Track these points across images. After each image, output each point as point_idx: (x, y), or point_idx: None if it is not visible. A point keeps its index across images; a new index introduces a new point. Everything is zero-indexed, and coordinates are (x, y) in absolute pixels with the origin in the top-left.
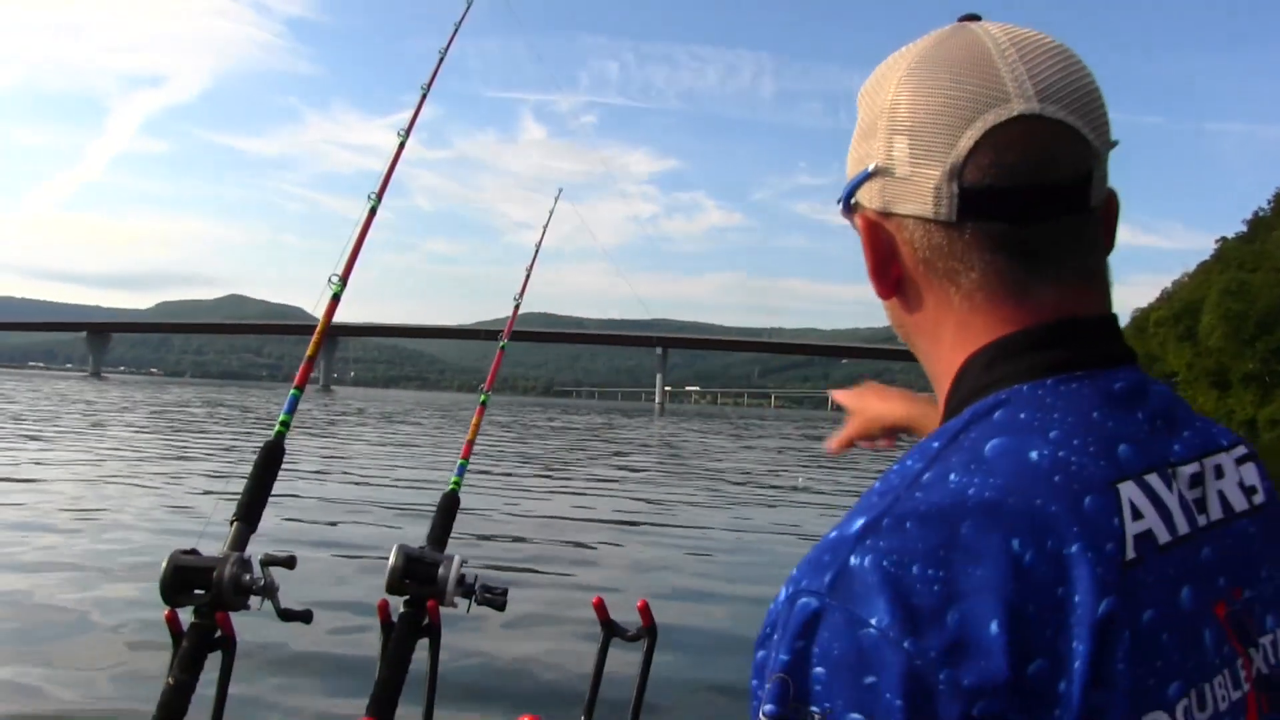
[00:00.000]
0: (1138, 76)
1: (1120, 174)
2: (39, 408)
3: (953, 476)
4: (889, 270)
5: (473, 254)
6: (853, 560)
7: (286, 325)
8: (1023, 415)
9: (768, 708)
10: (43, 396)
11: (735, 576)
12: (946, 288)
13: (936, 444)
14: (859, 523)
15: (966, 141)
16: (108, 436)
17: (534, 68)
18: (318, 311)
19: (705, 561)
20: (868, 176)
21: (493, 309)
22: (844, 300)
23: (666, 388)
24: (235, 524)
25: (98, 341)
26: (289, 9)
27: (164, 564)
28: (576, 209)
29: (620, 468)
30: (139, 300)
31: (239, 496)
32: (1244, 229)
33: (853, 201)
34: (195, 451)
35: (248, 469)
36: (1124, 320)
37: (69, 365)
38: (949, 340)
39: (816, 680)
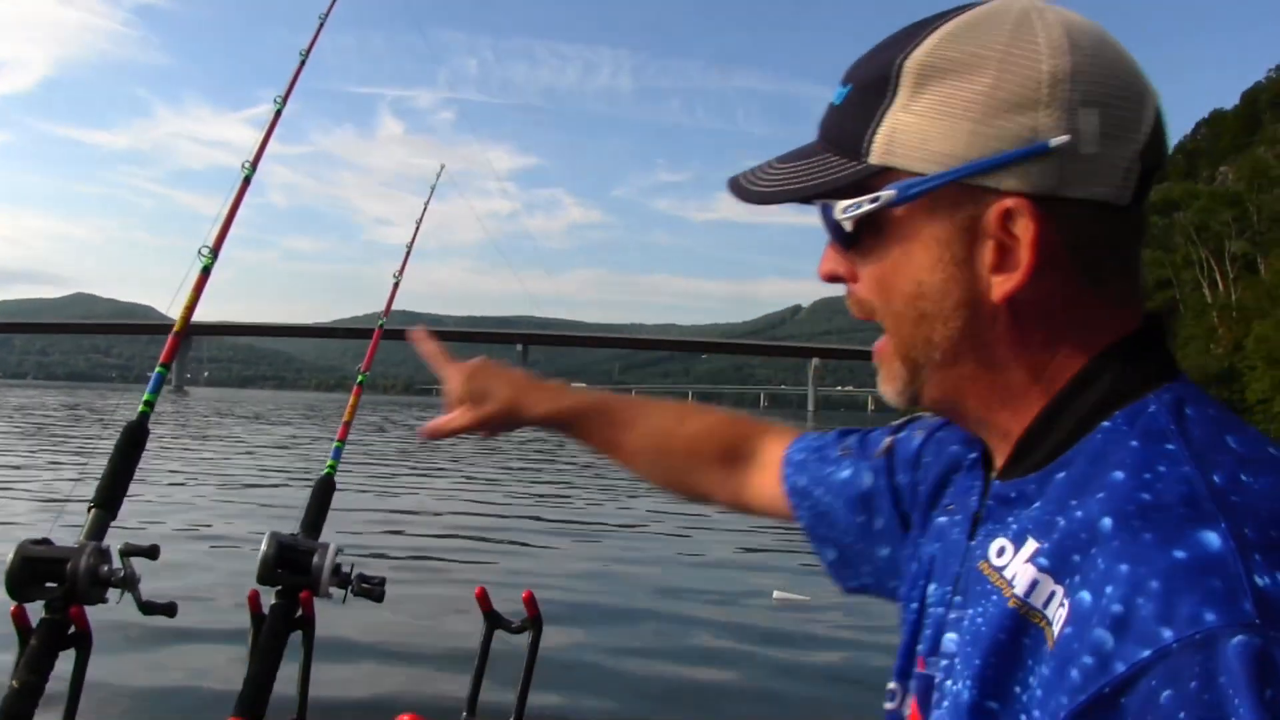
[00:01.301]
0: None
1: None
2: None
3: (1244, 477)
4: (1037, 262)
5: (332, 251)
6: (1260, 580)
7: (136, 325)
8: (1211, 411)
9: None
10: None
11: (617, 561)
12: (1087, 283)
13: (1172, 446)
14: (1211, 536)
15: (1149, 120)
16: None
17: (391, 63)
18: (184, 290)
19: (589, 549)
20: (1038, 154)
21: (353, 306)
22: (704, 296)
23: None
24: (93, 510)
25: None
26: None
27: (10, 555)
28: (438, 205)
29: (494, 464)
30: None
31: (98, 482)
32: None
33: (972, 184)
34: (53, 447)
35: (107, 456)
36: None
37: None
38: (1071, 340)
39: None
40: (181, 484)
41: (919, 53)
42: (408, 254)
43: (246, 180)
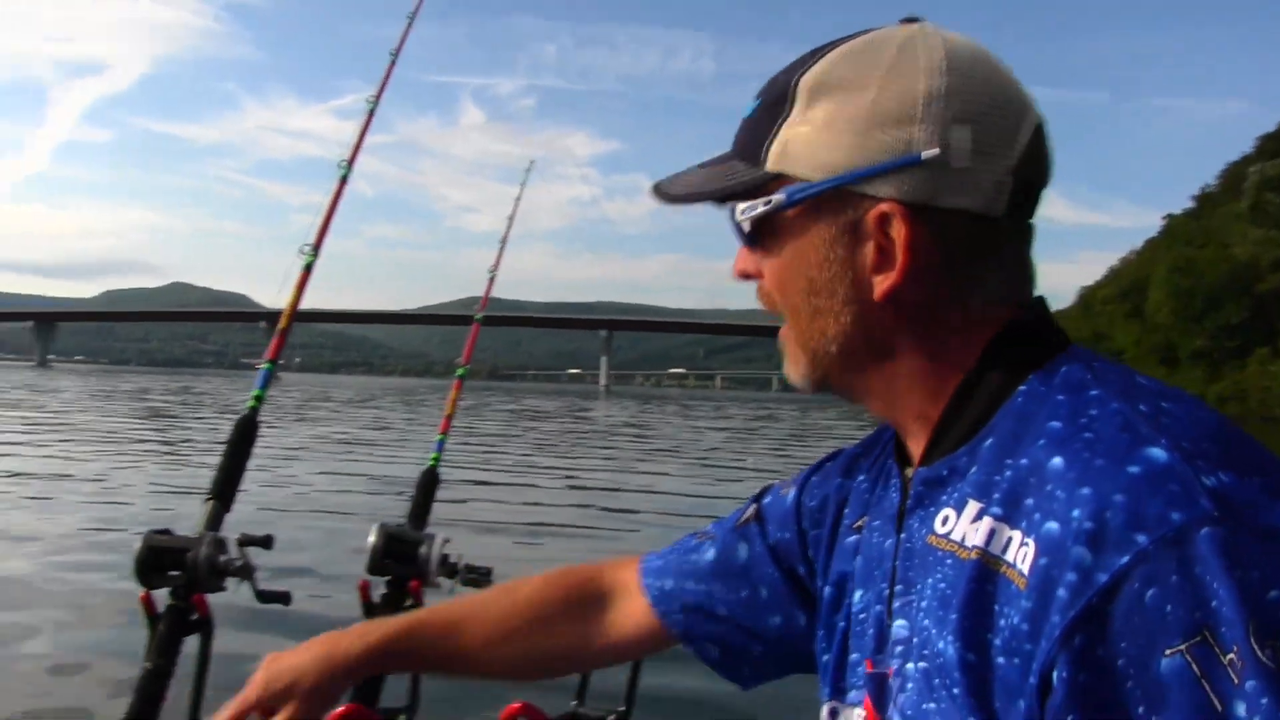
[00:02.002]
0: (1082, 53)
1: (1066, 151)
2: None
3: (1164, 404)
4: (909, 263)
5: (416, 238)
6: (1207, 480)
7: (231, 313)
8: (1113, 363)
9: (1260, 649)
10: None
11: None
12: (965, 279)
13: (1095, 391)
14: (1156, 451)
15: (1024, 138)
16: (78, 423)
17: (471, 52)
18: (286, 286)
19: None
20: (909, 165)
21: (437, 293)
22: None
23: (611, 370)
24: (210, 502)
25: (44, 331)
26: None
27: (137, 545)
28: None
29: (591, 447)
30: (84, 289)
31: (213, 474)
32: (1192, 205)
33: (846, 191)
34: (167, 435)
35: (221, 448)
36: (1071, 298)
37: (14, 356)
38: (963, 331)
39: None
40: (290, 473)
41: (814, 71)
42: (501, 248)
43: (344, 179)
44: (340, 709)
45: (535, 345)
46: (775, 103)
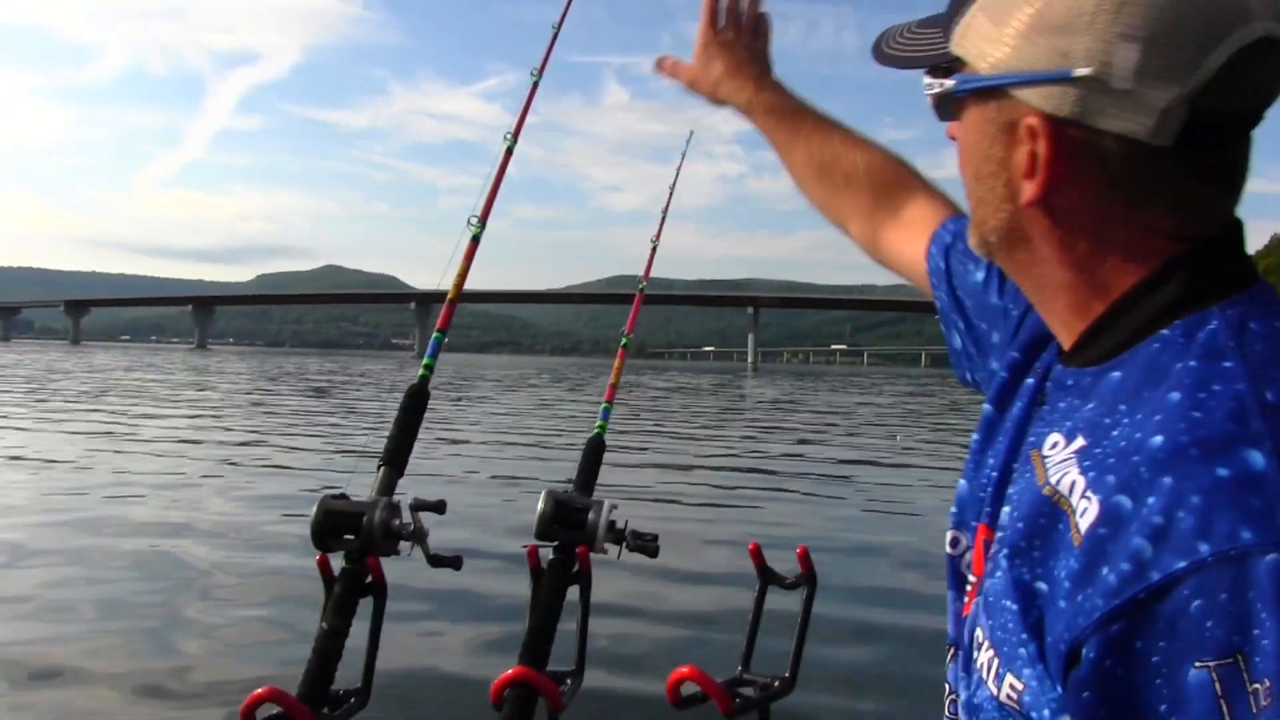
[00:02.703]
0: None
1: None
2: (178, 379)
3: None
4: (1050, 179)
5: (561, 219)
6: None
7: (382, 294)
8: (1264, 341)
9: None
10: (175, 367)
11: (887, 526)
12: (1124, 206)
13: (1229, 364)
14: (1255, 455)
15: (1214, 62)
16: (250, 400)
17: (614, 31)
18: (455, 257)
19: (855, 509)
20: (1059, 79)
21: (584, 272)
22: None
23: (758, 347)
24: (383, 468)
25: (202, 315)
26: None
27: (314, 509)
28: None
29: (746, 424)
30: (239, 273)
31: (385, 442)
32: None
33: (1005, 92)
34: (337, 408)
35: (391, 417)
36: None
37: (176, 339)
38: (1115, 256)
39: None
40: (459, 441)
41: None
42: (663, 218)
43: (509, 150)
44: (509, 672)
45: (684, 323)
46: None
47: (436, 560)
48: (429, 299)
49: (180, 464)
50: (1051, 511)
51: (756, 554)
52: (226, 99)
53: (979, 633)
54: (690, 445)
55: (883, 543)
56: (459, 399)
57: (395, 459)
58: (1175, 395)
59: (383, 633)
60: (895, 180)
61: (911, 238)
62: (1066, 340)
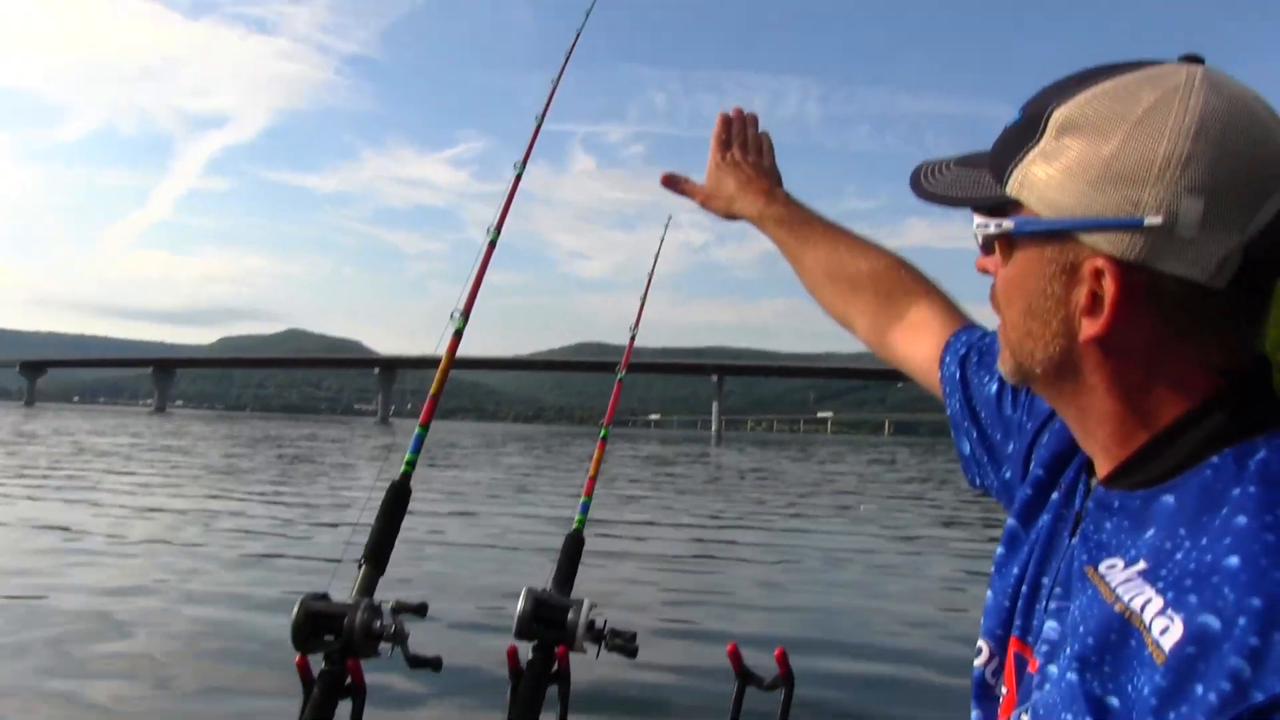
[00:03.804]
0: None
1: None
2: (137, 446)
3: None
4: (1116, 318)
5: (528, 285)
6: None
7: (346, 359)
8: None
9: None
10: (131, 434)
11: (868, 620)
12: (1178, 341)
13: None
14: None
15: (1266, 215)
16: (216, 473)
17: (581, 99)
18: (439, 348)
19: (840, 601)
20: (1131, 227)
21: (549, 339)
22: None
23: (722, 415)
24: (364, 567)
25: (163, 377)
26: (349, 48)
27: (295, 609)
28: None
29: (721, 501)
30: (202, 335)
31: (367, 538)
32: None
33: (1070, 235)
34: (309, 487)
35: (371, 508)
36: None
37: (138, 401)
38: (1161, 387)
39: None
40: (436, 529)
41: (1068, 105)
42: (641, 305)
43: (492, 244)
44: None
45: (648, 391)
46: (1030, 124)
47: (416, 661)
48: (393, 364)
49: (154, 556)
50: (1123, 628)
51: (734, 656)
52: (195, 160)
53: None
54: (666, 531)
55: (864, 641)
56: (433, 467)
57: (376, 557)
58: (1242, 519)
59: None
60: (900, 285)
61: (918, 341)
62: (1106, 465)
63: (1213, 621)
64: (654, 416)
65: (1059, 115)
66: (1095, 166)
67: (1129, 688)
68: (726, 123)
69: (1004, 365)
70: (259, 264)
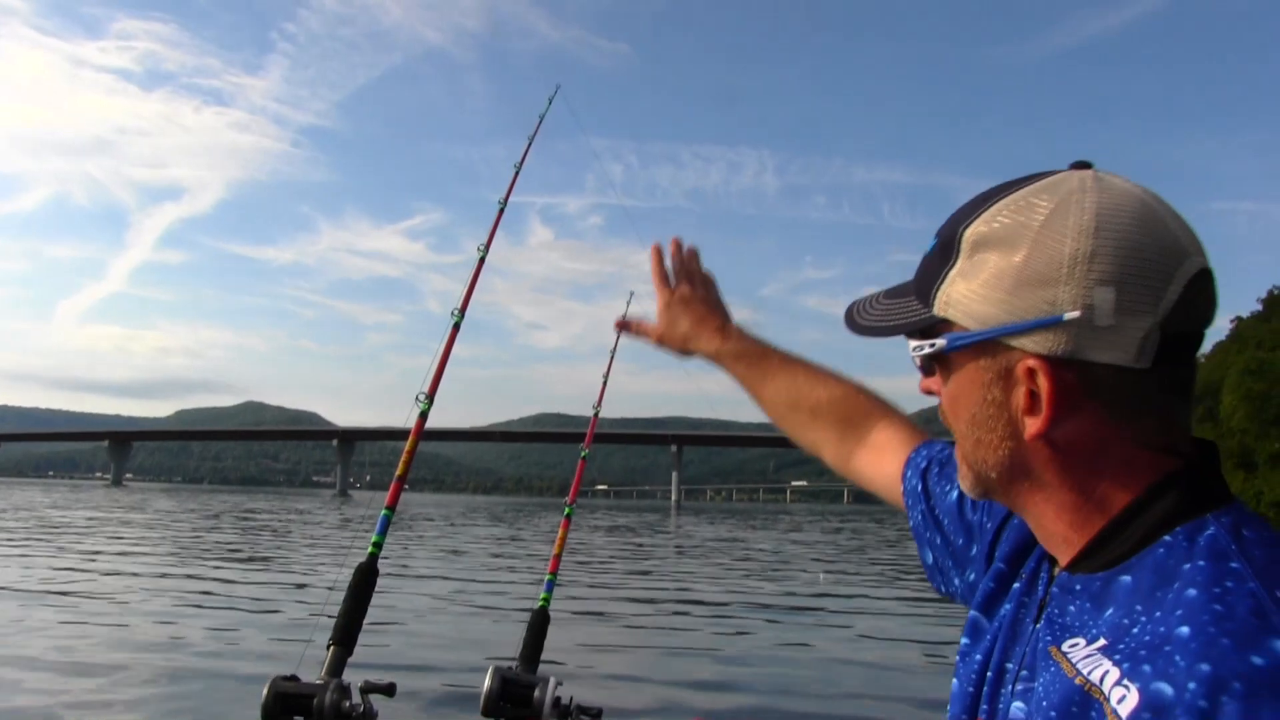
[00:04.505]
0: (1135, 159)
1: None
2: (101, 520)
3: None
4: (1055, 412)
5: (487, 356)
6: None
7: (304, 431)
8: (1265, 533)
9: None
10: (89, 508)
11: (833, 688)
12: (1118, 426)
13: (1236, 565)
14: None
15: (1173, 294)
16: (182, 548)
17: (539, 171)
18: (407, 423)
19: (805, 670)
20: (1052, 325)
21: (507, 410)
22: None
23: (681, 485)
24: (332, 648)
25: (119, 450)
26: (306, 119)
27: (264, 690)
28: (589, 308)
29: (682, 570)
30: (158, 408)
31: (335, 617)
32: (1259, 308)
33: (999, 342)
34: (276, 562)
35: (339, 588)
36: None
37: (93, 474)
38: (1111, 474)
39: None
40: (402, 603)
41: (976, 224)
42: (604, 384)
43: (456, 326)
44: None
45: (607, 461)
46: (946, 247)
47: None
48: (351, 436)
49: (120, 631)
50: (1084, 700)
51: None
52: (150, 233)
53: None
54: (628, 606)
55: (827, 713)
56: (394, 543)
57: (345, 638)
58: (1192, 591)
59: None
60: (859, 409)
61: (881, 461)
62: (1067, 553)
63: (1166, 688)
64: (600, 486)
65: (970, 234)
66: (1010, 275)
67: None
68: (659, 255)
69: (964, 481)
70: (215, 336)
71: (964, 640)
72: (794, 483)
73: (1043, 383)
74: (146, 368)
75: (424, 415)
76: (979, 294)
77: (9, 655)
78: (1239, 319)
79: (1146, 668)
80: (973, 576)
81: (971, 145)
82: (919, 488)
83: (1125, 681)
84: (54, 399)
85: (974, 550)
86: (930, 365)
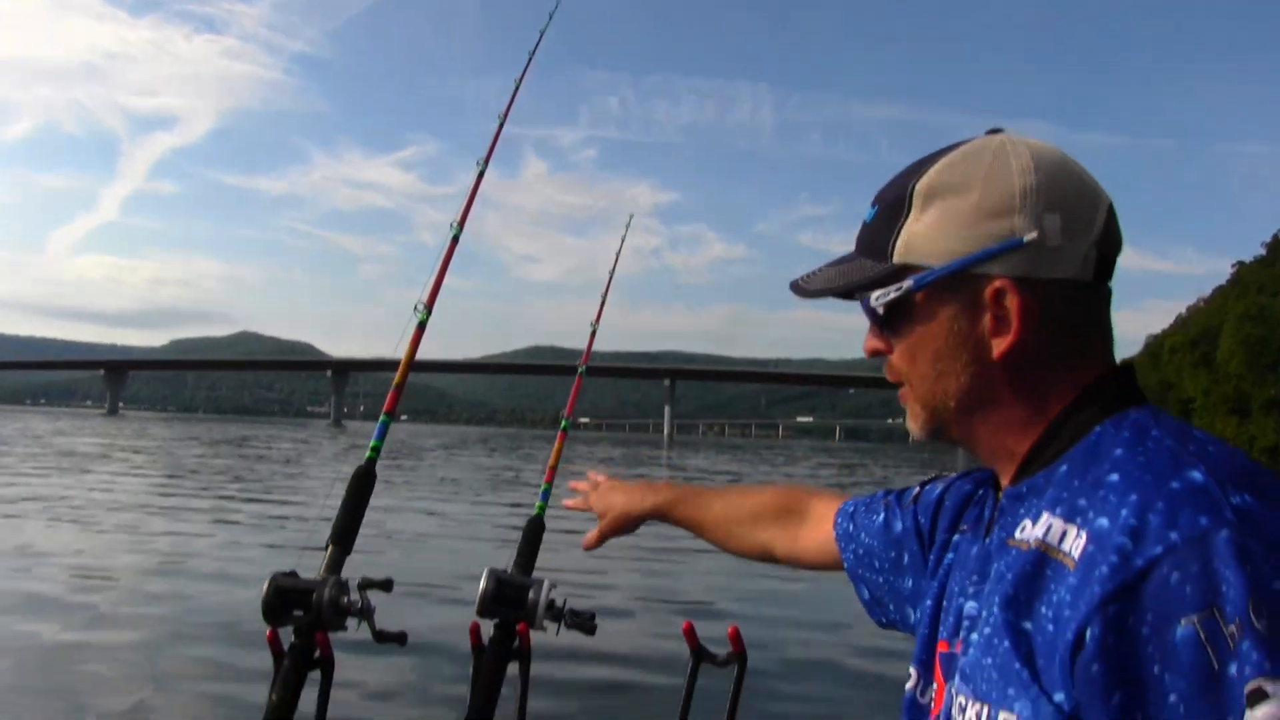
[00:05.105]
0: (1147, 102)
1: (1132, 199)
2: (111, 445)
3: (1210, 448)
4: (1022, 327)
5: (480, 289)
6: (1234, 499)
7: (299, 361)
8: (1176, 420)
9: (1261, 621)
10: (95, 435)
11: (818, 601)
12: (1064, 340)
13: (1156, 433)
14: (1195, 474)
15: (1099, 220)
16: (187, 472)
17: (534, 104)
18: (401, 344)
19: (789, 583)
20: (1014, 248)
21: (500, 342)
22: (852, 330)
23: (674, 420)
24: (331, 547)
25: (115, 379)
26: (298, 47)
27: (265, 585)
28: (584, 243)
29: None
30: (154, 338)
31: (333, 521)
32: (1262, 252)
33: (965, 273)
34: (276, 481)
35: (337, 495)
36: (1138, 346)
37: (88, 403)
38: (1057, 385)
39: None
40: (403, 517)
41: (925, 179)
42: (602, 301)
43: (455, 239)
44: None
45: (600, 395)
46: (894, 207)
47: (382, 636)
48: (345, 367)
49: (131, 540)
50: (1039, 559)
51: (690, 634)
52: (142, 163)
53: (958, 703)
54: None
55: (814, 620)
56: (395, 466)
57: (343, 538)
58: (1119, 451)
59: (330, 705)
60: (791, 499)
61: (823, 526)
62: (1011, 468)
63: (1103, 521)
64: (584, 420)
65: (921, 187)
66: (968, 212)
67: (1043, 609)
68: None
69: (915, 423)
70: (209, 267)
71: (926, 603)
72: (799, 418)
73: (1011, 301)
74: (141, 298)
75: (422, 325)
76: (941, 233)
77: (49, 569)
78: (1240, 263)
79: (1091, 513)
80: (909, 583)
81: (973, 83)
82: (849, 528)
83: (1074, 530)
84: (48, 328)
85: (905, 558)
86: (886, 317)
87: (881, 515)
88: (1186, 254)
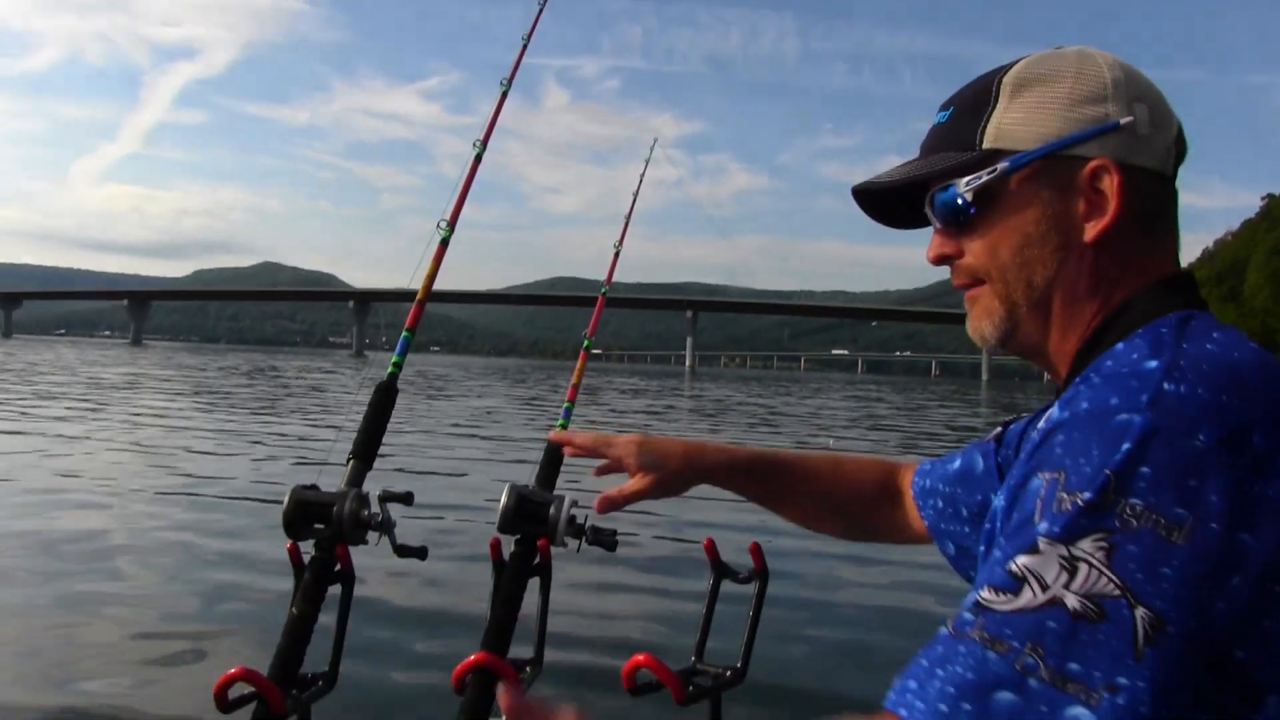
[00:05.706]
0: (1177, 32)
1: None
2: (142, 375)
3: (1210, 345)
4: (1121, 207)
5: (501, 220)
6: (1168, 386)
7: (321, 292)
8: (1210, 324)
9: (1086, 495)
10: (124, 364)
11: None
12: (1148, 230)
13: (1165, 330)
14: (1150, 363)
15: (1175, 120)
16: (218, 397)
17: (555, 33)
18: (424, 264)
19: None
20: (1111, 129)
21: (522, 273)
22: (873, 263)
23: (696, 351)
24: (352, 461)
25: (138, 309)
26: None
27: (286, 499)
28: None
29: (701, 417)
30: (176, 269)
31: (355, 435)
32: None
33: (1064, 154)
34: (306, 406)
35: (358, 412)
36: None
37: (113, 333)
38: (1129, 275)
39: (1141, 479)
40: (426, 436)
41: (1013, 72)
42: (626, 223)
43: (478, 158)
44: (472, 658)
45: (622, 326)
46: (976, 103)
47: (403, 550)
48: (367, 298)
49: (151, 457)
50: (1041, 437)
51: (711, 550)
52: (165, 93)
53: None
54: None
55: (838, 546)
56: (419, 393)
57: (364, 452)
58: (1119, 344)
59: (350, 619)
60: (886, 474)
61: (911, 499)
62: (1065, 367)
63: (1056, 411)
64: (597, 351)
65: (1010, 79)
66: (1062, 100)
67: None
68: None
69: (989, 324)
70: (232, 197)
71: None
72: (834, 350)
73: (1109, 181)
74: (164, 228)
75: (445, 243)
76: (1038, 118)
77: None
78: (1270, 196)
79: (1082, 392)
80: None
81: (1001, 12)
82: (925, 485)
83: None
84: (72, 258)
85: (980, 497)
86: (966, 209)
87: (959, 461)
88: (1213, 186)
